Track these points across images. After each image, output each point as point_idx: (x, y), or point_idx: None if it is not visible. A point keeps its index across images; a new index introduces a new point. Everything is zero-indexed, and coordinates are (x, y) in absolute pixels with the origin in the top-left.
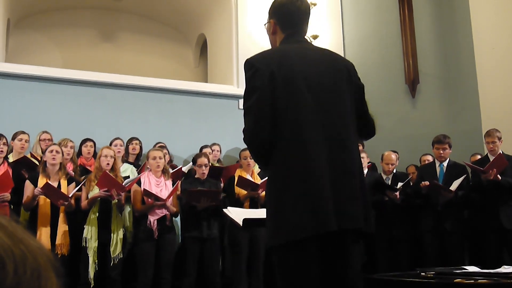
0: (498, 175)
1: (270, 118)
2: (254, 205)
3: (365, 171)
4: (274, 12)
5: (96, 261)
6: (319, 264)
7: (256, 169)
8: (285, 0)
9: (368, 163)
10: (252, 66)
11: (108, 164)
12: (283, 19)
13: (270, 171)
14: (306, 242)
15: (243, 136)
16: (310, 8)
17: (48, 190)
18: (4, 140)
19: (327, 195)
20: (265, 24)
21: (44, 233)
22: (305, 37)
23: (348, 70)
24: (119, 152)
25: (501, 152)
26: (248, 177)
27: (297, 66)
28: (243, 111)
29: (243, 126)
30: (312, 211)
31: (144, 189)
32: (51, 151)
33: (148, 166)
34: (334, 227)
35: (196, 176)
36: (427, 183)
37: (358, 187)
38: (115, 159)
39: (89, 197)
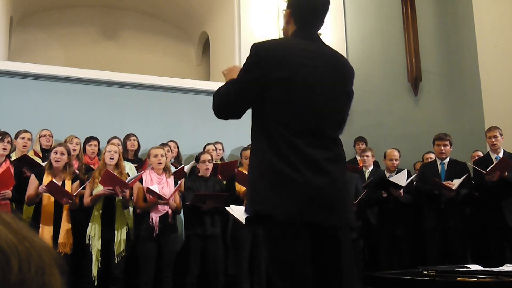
0: (506, 173)
1: (249, 100)
2: None
3: (370, 168)
4: (292, 3)
5: (99, 259)
6: (310, 247)
7: None
8: None
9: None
10: (258, 52)
11: (111, 158)
12: (298, 12)
13: (260, 154)
14: (298, 223)
15: (215, 93)
16: (329, 3)
17: (52, 188)
18: (9, 139)
19: (320, 189)
20: (283, 10)
21: (46, 231)
22: (318, 32)
23: (348, 75)
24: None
25: (504, 152)
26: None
27: (300, 61)
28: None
29: (228, 96)
30: (303, 201)
31: (147, 187)
32: (56, 153)
33: (150, 163)
34: (325, 221)
35: (199, 174)
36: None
37: (347, 182)
38: (119, 155)
39: (93, 194)
